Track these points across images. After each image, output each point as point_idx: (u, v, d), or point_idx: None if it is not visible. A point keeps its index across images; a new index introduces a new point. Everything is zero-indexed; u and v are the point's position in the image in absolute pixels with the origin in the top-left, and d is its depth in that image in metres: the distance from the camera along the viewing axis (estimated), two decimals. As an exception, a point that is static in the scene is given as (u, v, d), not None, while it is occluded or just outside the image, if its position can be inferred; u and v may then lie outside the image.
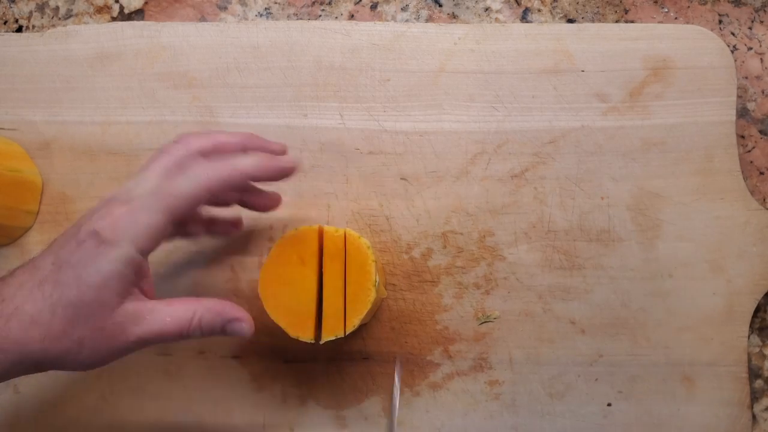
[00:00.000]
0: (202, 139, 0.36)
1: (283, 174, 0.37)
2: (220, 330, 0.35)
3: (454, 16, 0.48)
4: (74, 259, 0.32)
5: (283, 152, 0.39)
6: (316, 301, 0.38)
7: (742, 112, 0.47)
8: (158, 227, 0.33)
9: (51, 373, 0.44)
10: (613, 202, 0.44)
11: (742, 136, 0.46)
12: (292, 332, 0.38)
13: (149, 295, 0.35)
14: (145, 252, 0.33)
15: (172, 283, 0.44)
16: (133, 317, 0.33)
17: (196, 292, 0.44)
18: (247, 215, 0.44)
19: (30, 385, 0.44)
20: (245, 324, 0.36)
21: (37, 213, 0.45)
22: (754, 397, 0.45)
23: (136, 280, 0.33)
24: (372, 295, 0.38)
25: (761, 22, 0.47)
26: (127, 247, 0.32)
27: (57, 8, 0.48)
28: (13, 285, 0.32)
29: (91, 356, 0.33)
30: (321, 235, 0.39)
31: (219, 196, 0.39)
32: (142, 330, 0.33)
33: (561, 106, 0.45)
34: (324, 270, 0.39)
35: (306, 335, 0.38)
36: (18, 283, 0.32)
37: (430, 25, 0.46)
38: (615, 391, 0.44)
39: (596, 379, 0.44)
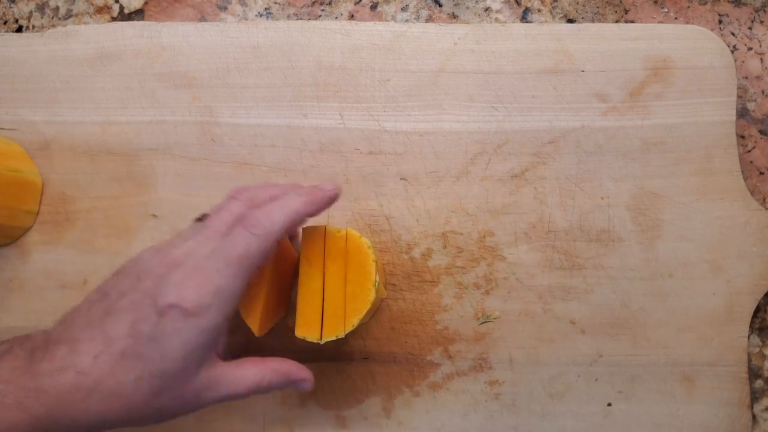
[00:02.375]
0: (256, 191, 0.36)
1: (331, 202, 0.37)
2: (285, 387, 0.37)
3: (454, 16, 0.48)
4: (157, 332, 0.32)
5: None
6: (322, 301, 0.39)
7: (742, 112, 0.47)
8: (240, 291, 0.33)
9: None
10: (613, 202, 0.44)
11: (742, 136, 0.46)
12: (299, 332, 0.38)
13: (219, 354, 0.35)
14: (229, 318, 0.33)
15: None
16: (208, 383, 0.34)
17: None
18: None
19: (30, 385, 0.44)
20: (308, 384, 0.38)
21: (37, 213, 0.45)
22: (754, 397, 0.45)
23: (215, 345, 0.34)
24: (372, 295, 0.38)
25: (761, 22, 0.47)
26: (213, 317, 0.32)
27: (57, 8, 0.48)
28: (86, 354, 0.32)
29: (166, 419, 0.34)
30: (325, 235, 0.39)
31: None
32: (216, 395, 0.34)
33: (561, 106, 0.45)
34: (325, 270, 0.39)
35: (313, 335, 0.38)
36: (91, 354, 0.31)
37: (430, 25, 0.46)
38: (615, 391, 0.44)
39: (596, 379, 0.44)
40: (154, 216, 0.45)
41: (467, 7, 0.48)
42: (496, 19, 0.47)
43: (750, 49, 0.47)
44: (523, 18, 0.47)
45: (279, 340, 0.44)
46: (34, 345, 0.32)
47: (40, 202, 0.45)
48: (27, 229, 0.45)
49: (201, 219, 0.36)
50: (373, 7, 0.48)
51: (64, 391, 0.31)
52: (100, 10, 0.48)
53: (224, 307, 0.33)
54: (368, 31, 0.45)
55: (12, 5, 0.48)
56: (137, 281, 0.33)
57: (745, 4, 0.47)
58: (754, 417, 0.45)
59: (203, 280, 0.32)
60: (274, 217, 0.34)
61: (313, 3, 0.48)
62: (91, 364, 0.31)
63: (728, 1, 0.47)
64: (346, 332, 0.38)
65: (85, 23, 0.48)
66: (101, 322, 0.32)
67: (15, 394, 0.30)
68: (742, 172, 0.44)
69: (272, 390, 0.36)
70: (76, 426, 0.32)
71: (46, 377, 0.31)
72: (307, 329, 0.38)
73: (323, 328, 0.38)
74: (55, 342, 0.32)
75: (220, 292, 0.33)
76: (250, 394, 0.35)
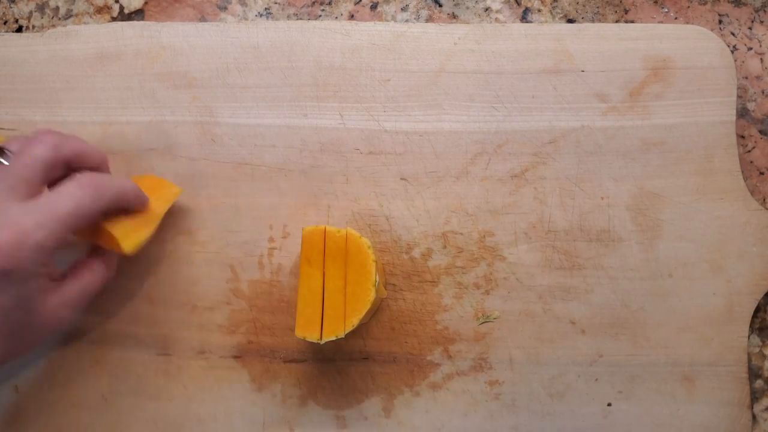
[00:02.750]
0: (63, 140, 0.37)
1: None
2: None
3: (454, 16, 0.48)
4: None
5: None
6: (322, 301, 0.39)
7: (742, 112, 0.47)
8: (56, 244, 0.34)
9: (51, 373, 0.44)
10: (613, 202, 0.44)
11: (742, 136, 0.46)
12: (299, 332, 0.38)
13: (54, 275, 0.37)
14: (50, 261, 0.35)
15: (170, 282, 0.44)
16: (49, 307, 0.36)
17: (195, 291, 0.44)
18: (246, 215, 0.44)
19: (30, 385, 0.44)
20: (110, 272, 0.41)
21: None
22: (754, 397, 0.45)
23: (46, 280, 0.35)
24: (372, 295, 0.38)
25: (761, 22, 0.47)
26: (33, 267, 0.33)
27: (57, 8, 0.48)
28: None
29: (26, 348, 0.36)
30: (325, 235, 0.39)
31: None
32: (61, 312, 0.36)
33: (561, 106, 0.45)
34: (325, 270, 0.39)
35: (313, 335, 0.38)
36: None
37: (430, 25, 0.46)
38: (615, 391, 0.44)
39: (596, 379, 0.44)
40: (154, 216, 0.45)
41: (467, 7, 0.48)
42: (496, 19, 0.47)
43: (750, 49, 0.47)
44: (523, 18, 0.47)
45: (279, 339, 0.44)
46: None
47: None
48: None
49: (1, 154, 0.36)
50: (373, 7, 0.48)
51: None
52: (100, 10, 0.48)
53: (45, 254, 0.33)
54: (368, 31, 0.45)
55: (12, 5, 0.48)
56: None
57: (745, 4, 0.47)
58: (754, 417, 0.45)
59: (12, 233, 0.32)
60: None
61: (313, 3, 0.48)
62: None
63: (728, 1, 0.47)
64: (346, 332, 0.38)
65: (85, 23, 0.48)
66: None
67: None
68: (742, 172, 0.44)
69: (100, 285, 0.39)
70: None
71: None
72: (307, 329, 0.38)
73: (323, 328, 0.38)
74: None
75: (39, 245, 0.33)
76: (87, 298, 0.38)
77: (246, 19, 0.48)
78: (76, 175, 0.36)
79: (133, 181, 0.40)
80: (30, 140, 0.36)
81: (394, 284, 0.44)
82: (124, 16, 0.48)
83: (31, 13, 0.48)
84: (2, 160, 0.36)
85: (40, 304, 0.35)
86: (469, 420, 0.44)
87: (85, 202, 0.35)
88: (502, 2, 0.48)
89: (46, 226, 0.33)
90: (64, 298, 0.37)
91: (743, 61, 0.47)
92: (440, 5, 0.48)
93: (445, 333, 0.44)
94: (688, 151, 0.44)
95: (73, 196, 0.34)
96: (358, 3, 0.48)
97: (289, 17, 0.48)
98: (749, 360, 0.45)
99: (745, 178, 0.45)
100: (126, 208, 0.39)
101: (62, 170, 0.37)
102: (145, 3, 0.48)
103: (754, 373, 0.45)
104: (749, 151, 0.46)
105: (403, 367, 0.44)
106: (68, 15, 0.48)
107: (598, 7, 0.47)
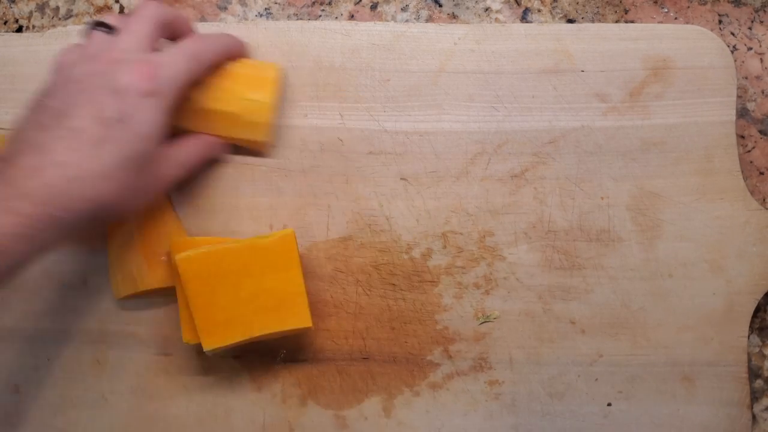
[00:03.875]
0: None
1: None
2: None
3: (454, 16, 0.48)
4: (122, 114, 0.34)
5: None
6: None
7: (742, 112, 0.47)
8: (186, 81, 0.38)
9: (51, 373, 0.44)
10: (613, 202, 0.44)
11: (742, 136, 0.46)
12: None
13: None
14: (177, 98, 0.38)
15: (172, 283, 0.44)
16: (165, 160, 0.39)
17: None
18: (245, 215, 0.44)
19: (30, 385, 0.44)
20: (220, 147, 0.43)
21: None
22: (754, 397, 0.45)
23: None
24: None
25: (761, 22, 0.47)
26: (166, 97, 0.36)
27: (57, 8, 0.48)
28: (57, 151, 0.33)
29: (144, 199, 0.39)
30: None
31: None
32: (171, 171, 0.40)
33: (561, 106, 0.45)
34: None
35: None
36: (63, 147, 0.33)
37: (430, 25, 0.46)
38: (615, 391, 0.44)
39: (596, 379, 0.44)
40: (154, 216, 0.45)
41: (467, 7, 0.48)
42: (496, 19, 0.47)
43: (750, 49, 0.47)
44: (523, 18, 0.47)
45: (278, 339, 0.43)
46: None
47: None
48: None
49: (102, 27, 0.39)
50: (373, 7, 0.48)
51: (48, 184, 0.32)
52: (100, 10, 0.48)
53: (177, 86, 0.37)
54: (368, 31, 0.45)
55: (12, 5, 0.48)
56: (78, 84, 0.35)
57: (745, 4, 0.47)
58: (754, 417, 0.45)
59: (151, 68, 0.35)
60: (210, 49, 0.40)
61: (313, 3, 0.48)
62: (66, 155, 0.33)
63: (728, 1, 0.47)
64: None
65: (85, 23, 0.48)
66: (58, 124, 0.33)
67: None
68: (742, 172, 0.44)
69: (202, 161, 0.42)
70: (73, 215, 0.33)
71: (24, 180, 0.31)
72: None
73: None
74: (15, 154, 0.33)
75: (173, 75, 0.37)
76: (191, 165, 0.42)
77: (246, 19, 0.48)
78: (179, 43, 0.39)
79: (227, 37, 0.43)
80: (130, 16, 0.39)
81: (394, 284, 0.44)
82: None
83: (31, 13, 0.48)
84: (104, 29, 0.38)
85: (159, 151, 0.38)
86: (469, 420, 0.44)
87: (208, 43, 0.40)
88: (502, 2, 0.48)
89: (179, 58, 0.37)
90: (174, 154, 0.40)
91: (743, 61, 0.47)
92: (440, 5, 0.48)
93: (445, 333, 0.44)
94: (688, 151, 0.44)
95: (198, 39, 0.40)
96: (358, 3, 0.48)
97: (289, 17, 0.48)
98: (749, 360, 0.45)
99: (745, 178, 0.45)
100: (233, 57, 0.42)
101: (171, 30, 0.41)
102: (145, 3, 0.48)
103: (754, 373, 0.45)
104: (749, 151, 0.46)
105: (403, 367, 0.44)
106: (68, 15, 0.48)
107: (598, 7, 0.47)
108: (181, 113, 0.41)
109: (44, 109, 0.35)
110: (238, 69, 0.42)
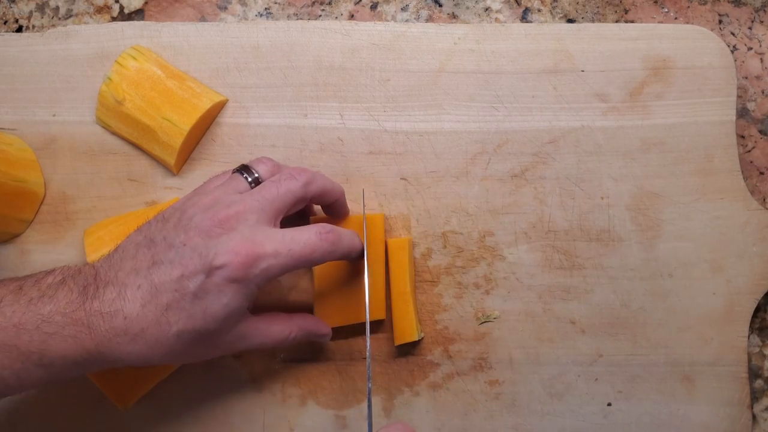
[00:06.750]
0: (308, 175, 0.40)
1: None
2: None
3: (454, 16, 0.48)
4: (202, 291, 0.34)
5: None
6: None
7: (742, 112, 0.47)
8: (280, 274, 0.36)
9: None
10: (613, 202, 0.44)
11: (742, 136, 0.46)
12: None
13: (250, 308, 0.38)
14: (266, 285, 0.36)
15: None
16: (241, 336, 0.37)
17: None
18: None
19: (30, 385, 0.44)
20: (327, 337, 0.42)
21: (32, 221, 0.45)
22: (754, 397, 0.45)
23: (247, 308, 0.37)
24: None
25: (761, 22, 0.47)
26: (256, 285, 0.35)
27: (57, 8, 0.48)
28: (133, 302, 0.34)
29: (200, 360, 0.37)
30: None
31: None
32: (244, 345, 0.38)
33: (561, 106, 0.45)
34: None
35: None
36: (138, 302, 0.34)
37: (430, 25, 0.46)
38: (615, 391, 0.44)
39: (596, 379, 0.44)
40: (154, 216, 0.45)
41: (467, 7, 0.48)
42: (496, 19, 0.47)
43: (750, 49, 0.47)
44: (523, 18, 0.47)
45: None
46: (86, 281, 0.35)
47: (36, 212, 0.45)
48: (16, 236, 0.45)
49: (243, 173, 0.39)
50: (373, 7, 0.48)
51: (112, 332, 0.34)
52: (100, 10, 0.48)
53: (267, 279, 0.35)
54: (368, 31, 0.45)
55: (12, 5, 0.48)
56: (184, 234, 0.35)
57: (745, 4, 0.47)
58: (754, 417, 0.45)
59: (251, 255, 0.34)
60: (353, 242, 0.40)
61: (313, 3, 0.48)
62: (138, 312, 0.34)
63: (728, 1, 0.47)
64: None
65: (85, 23, 0.48)
66: (148, 272, 0.35)
67: (72, 327, 0.33)
68: (742, 172, 0.44)
69: (296, 343, 0.40)
70: (120, 361, 0.35)
71: (97, 317, 0.34)
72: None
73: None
74: (104, 283, 0.35)
75: (268, 269, 0.35)
76: (277, 346, 0.39)
77: (246, 19, 0.48)
78: (320, 225, 0.38)
79: (360, 239, 0.41)
80: (284, 173, 0.39)
81: (394, 284, 0.44)
82: (124, 16, 0.48)
83: (31, 13, 0.48)
84: (248, 177, 0.39)
85: (235, 324, 0.36)
86: (469, 420, 0.44)
87: (318, 251, 0.36)
88: (502, 2, 0.48)
89: (281, 257, 0.35)
90: (263, 329, 0.38)
91: (743, 61, 0.47)
92: (440, 5, 0.48)
93: (445, 333, 0.44)
94: (688, 150, 0.44)
95: (311, 242, 0.36)
96: (358, 3, 0.48)
97: (289, 17, 0.48)
98: (749, 360, 0.45)
99: (745, 178, 0.45)
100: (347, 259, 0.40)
101: (304, 204, 0.39)
102: (145, 3, 0.48)
103: (754, 373, 0.45)
104: (749, 151, 0.46)
105: (403, 367, 0.44)
106: (68, 15, 0.48)
107: (598, 7, 0.47)
108: (112, 114, 0.43)
109: (147, 242, 0.36)
110: (177, 88, 0.43)
